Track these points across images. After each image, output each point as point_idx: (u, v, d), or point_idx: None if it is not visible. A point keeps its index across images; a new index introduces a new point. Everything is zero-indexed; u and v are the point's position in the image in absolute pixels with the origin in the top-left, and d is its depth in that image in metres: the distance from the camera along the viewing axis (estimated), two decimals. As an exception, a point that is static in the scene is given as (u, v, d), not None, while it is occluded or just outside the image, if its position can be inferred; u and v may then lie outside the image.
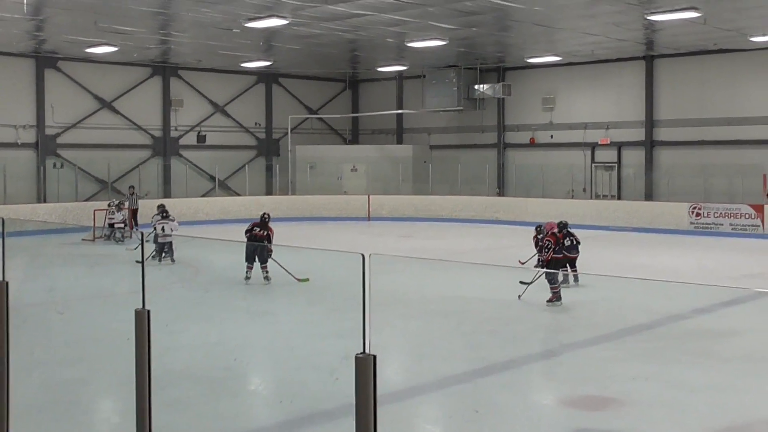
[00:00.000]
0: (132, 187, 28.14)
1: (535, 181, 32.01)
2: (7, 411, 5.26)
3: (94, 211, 25.14)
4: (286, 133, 36.05)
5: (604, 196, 31.44)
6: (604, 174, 31.91)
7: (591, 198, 31.29)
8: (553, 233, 14.24)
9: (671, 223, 27.11)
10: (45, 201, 28.80)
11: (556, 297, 13.53)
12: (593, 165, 32.06)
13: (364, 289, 3.34)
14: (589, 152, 32.10)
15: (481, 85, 32.84)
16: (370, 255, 3.40)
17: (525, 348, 11.46)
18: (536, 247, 16.29)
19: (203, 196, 33.18)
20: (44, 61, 29.84)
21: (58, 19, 22.08)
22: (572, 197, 31.07)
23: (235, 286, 15.87)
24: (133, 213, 26.54)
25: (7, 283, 5.26)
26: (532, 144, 33.65)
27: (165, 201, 27.80)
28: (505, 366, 10.21)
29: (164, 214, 19.28)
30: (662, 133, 30.36)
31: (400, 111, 36.88)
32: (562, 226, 15.76)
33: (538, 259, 15.77)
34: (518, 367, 10.35)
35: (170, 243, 18.75)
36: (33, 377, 8.60)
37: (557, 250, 14.62)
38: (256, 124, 36.37)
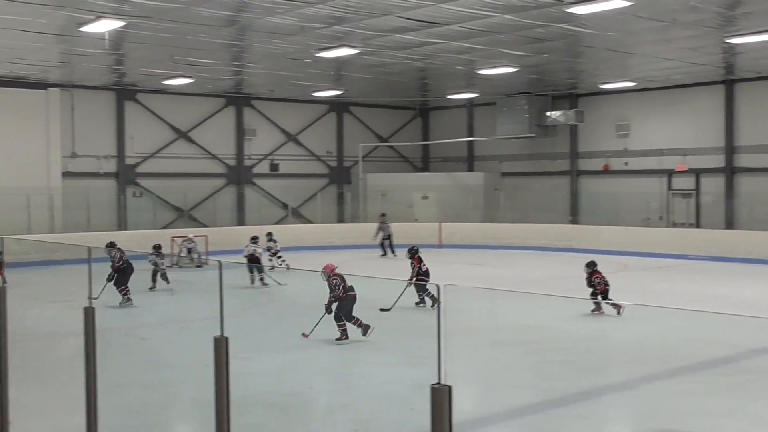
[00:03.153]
0: (384, 215, 29.46)
1: (609, 208, 31.57)
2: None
3: (172, 237, 25.67)
4: (357, 161, 36.34)
5: (682, 224, 30.81)
6: (681, 201, 31.30)
7: (668, 226, 30.71)
8: (339, 276, 13.69)
9: (753, 252, 26.33)
10: (125, 228, 29.54)
11: (344, 335, 13.14)
12: (670, 192, 31.50)
13: (439, 319, 3.36)
14: (665, 179, 31.56)
15: (553, 112, 32.63)
16: (445, 285, 3.42)
17: (598, 379, 11.28)
18: (588, 284, 16.26)
19: (276, 223, 33.54)
20: (124, 93, 30.74)
21: (137, 53, 22.75)
22: (648, 225, 30.52)
23: (308, 313, 15.98)
24: (389, 239, 28.55)
25: (93, 309, 5.43)
26: (606, 171, 33.25)
27: (239, 229, 28.30)
28: (578, 397, 10.06)
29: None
30: (743, 160, 29.64)
31: (470, 138, 36.85)
32: (415, 251, 17.15)
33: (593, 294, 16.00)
34: (592, 398, 10.18)
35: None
36: (116, 400, 8.79)
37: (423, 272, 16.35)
38: (327, 152, 36.75)
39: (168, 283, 19.96)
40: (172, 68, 25.36)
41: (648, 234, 28.94)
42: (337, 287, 13.15)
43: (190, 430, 9.40)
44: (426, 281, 16.56)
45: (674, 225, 30.87)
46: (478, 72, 26.15)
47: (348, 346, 13.21)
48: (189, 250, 24.66)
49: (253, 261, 21.16)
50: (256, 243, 21.78)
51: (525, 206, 33.15)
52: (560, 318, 15.43)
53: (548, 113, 32.71)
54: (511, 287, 20.17)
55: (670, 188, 31.52)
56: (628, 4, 16.29)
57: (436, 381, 3.41)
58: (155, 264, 19.86)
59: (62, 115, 29.21)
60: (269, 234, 23.49)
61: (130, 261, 17.22)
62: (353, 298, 13.22)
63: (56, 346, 13.00)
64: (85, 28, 18.36)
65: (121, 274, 16.92)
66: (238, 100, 33.56)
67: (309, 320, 13.31)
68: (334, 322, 13.12)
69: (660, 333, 14.08)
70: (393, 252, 28.41)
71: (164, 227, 30.53)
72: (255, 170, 34.49)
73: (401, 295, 16.04)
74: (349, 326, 13.15)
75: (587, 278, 16.24)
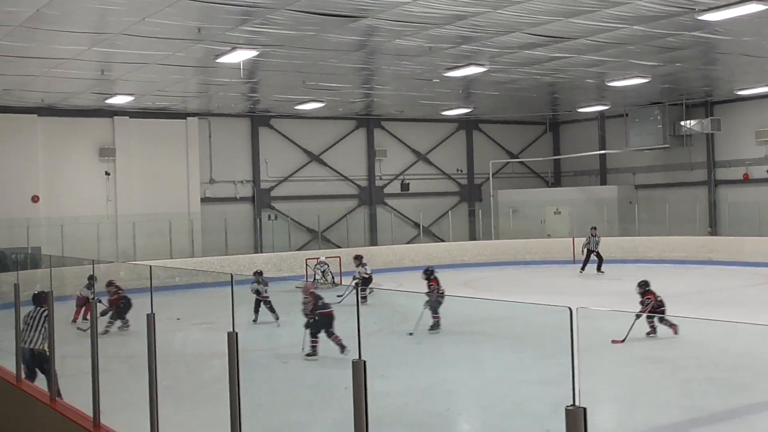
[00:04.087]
0: (594, 228, 28.43)
1: (751, 218, 30.31)
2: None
3: (306, 260, 26.26)
4: (488, 178, 36.24)
5: (831, 233, 29.25)
6: (829, 209, 29.71)
7: (815, 235, 29.20)
8: (311, 295, 13.96)
9: None
10: (261, 251, 30.42)
11: (313, 351, 13.38)
12: (817, 200, 29.96)
13: (573, 344, 3.37)
14: (811, 186, 30.06)
15: (688, 121, 31.68)
16: (577, 309, 3.43)
17: (748, 397, 10.86)
18: (641, 303, 15.34)
19: (408, 243, 33.84)
20: (258, 119, 31.77)
21: (270, 80, 23.50)
22: (793, 235, 29.14)
23: (441, 332, 16.06)
24: (597, 255, 27.38)
25: (236, 333, 5.68)
26: (746, 180, 31.98)
27: (372, 249, 28.74)
28: (726, 416, 9.73)
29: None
30: None
31: (602, 151, 36.17)
32: (431, 272, 16.76)
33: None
34: (740, 417, 9.82)
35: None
36: (259, 420, 9.09)
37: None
38: (457, 170, 36.83)
39: (276, 317, 17.81)
40: (303, 93, 26.06)
41: (795, 244, 27.62)
42: (305, 304, 13.75)
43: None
44: (440, 303, 16.02)
45: (824, 234, 29.32)
46: (609, 84, 25.70)
47: (483, 366, 13.18)
48: (323, 273, 25.15)
49: (367, 281, 21.40)
50: (363, 264, 22.02)
51: (661, 218, 32.22)
52: (702, 333, 14.93)
53: (683, 122, 31.78)
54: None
55: (817, 196, 29.99)
56: (763, 7, 15.71)
57: (571, 402, 3.42)
58: (257, 292, 18.05)
59: (200, 143, 30.46)
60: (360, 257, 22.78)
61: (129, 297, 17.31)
62: (324, 316, 13.59)
63: (201, 368, 13.51)
64: (221, 59, 19.12)
65: (119, 310, 17.10)
66: (368, 121, 34.11)
67: (439, 339, 13.34)
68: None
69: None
70: (599, 269, 27.11)
71: (299, 249, 31.25)
72: (386, 190, 34.91)
73: (420, 317, 15.76)
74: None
75: (640, 299, 15.36)
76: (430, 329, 15.79)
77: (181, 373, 12.58)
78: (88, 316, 18.15)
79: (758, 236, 28.90)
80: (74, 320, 17.94)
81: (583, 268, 27.29)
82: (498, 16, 16.14)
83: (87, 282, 18.59)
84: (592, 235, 27.67)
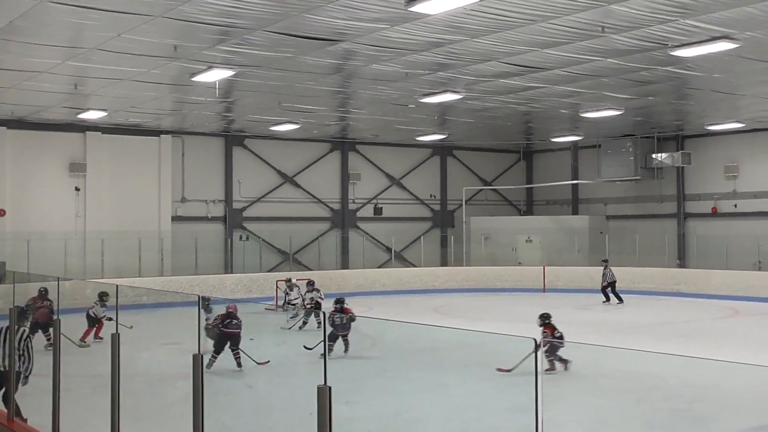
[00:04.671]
0: (606, 260, 27.71)
1: (718, 252, 30.64)
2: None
3: (277, 281, 26.14)
4: (461, 205, 36.37)
5: (796, 269, 29.64)
6: (795, 245, 30.14)
7: (781, 270, 29.59)
8: (222, 314, 14.77)
9: None
10: (232, 272, 30.25)
11: (209, 365, 13.97)
12: (783, 235, 30.38)
13: (537, 375, 3.38)
14: (777, 222, 30.47)
15: (659, 154, 32.03)
16: (540, 341, 3.44)
17: (710, 429, 10.93)
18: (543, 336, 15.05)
19: (380, 267, 33.82)
20: (232, 139, 31.70)
21: (246, 100, 23.48)
22: (759, 269, 29.48)
23: (408, 358, 16.01)
24: (612, 286, 26.72)
25: (202, 356, 5.64)
26: (714, 214, 32.36)
27: (344, 272, 28.59)
28: (688, 449, 9.77)
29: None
30: None
31: (575, 181, 36.47)
32: (338, 301, 17.16)
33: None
34: (702, 450, 9.87)
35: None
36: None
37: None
38: (431, 196, 36.94)
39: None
40: (279, 115, 26.07)
41: (759, 278, 27.92)
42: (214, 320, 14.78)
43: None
44: (337, 332, 16.04)
45: (789, 269, 29.72)
46: (582, 115, 25.96)
47: (451, 393, 13.16)
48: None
49: (318, 306, 21.22)
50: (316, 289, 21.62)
51: (631, 249, 32.47)
52: (666, 365, 15.01)
53: (654, 155, 32.14)
54: (617, 332, 19.78)
55: (784, 231, 30.39)
56: (734, 46, 15.98)
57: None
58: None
59: (173, 161, 30.30)
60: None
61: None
62: (227, 335, 14.44)
63: (166, 389, 13.37)
64: (197, 78, 19.09)
65: (43, 325, 16.00)
66: (343, 144, 34.15)
67: (407, 364, 13.30)
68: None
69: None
70: (618, 299, 26.48)
71: (270, 270, 31.12)
72: (359, 214, 34.91)
73: (319, 344, 15.13)
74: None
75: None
76: (321, 356, 15.54)
77: (144, 393, 12.43)
78: (101, 334, 17.87)
79: (725, 269, 29.20)
80: (83, 338, 17.54)
81: (620, 300, 26.56)
82: (475, 44, 16.26)
83: (98, 299, 18.18)
84: (605, 267, 27.11)
